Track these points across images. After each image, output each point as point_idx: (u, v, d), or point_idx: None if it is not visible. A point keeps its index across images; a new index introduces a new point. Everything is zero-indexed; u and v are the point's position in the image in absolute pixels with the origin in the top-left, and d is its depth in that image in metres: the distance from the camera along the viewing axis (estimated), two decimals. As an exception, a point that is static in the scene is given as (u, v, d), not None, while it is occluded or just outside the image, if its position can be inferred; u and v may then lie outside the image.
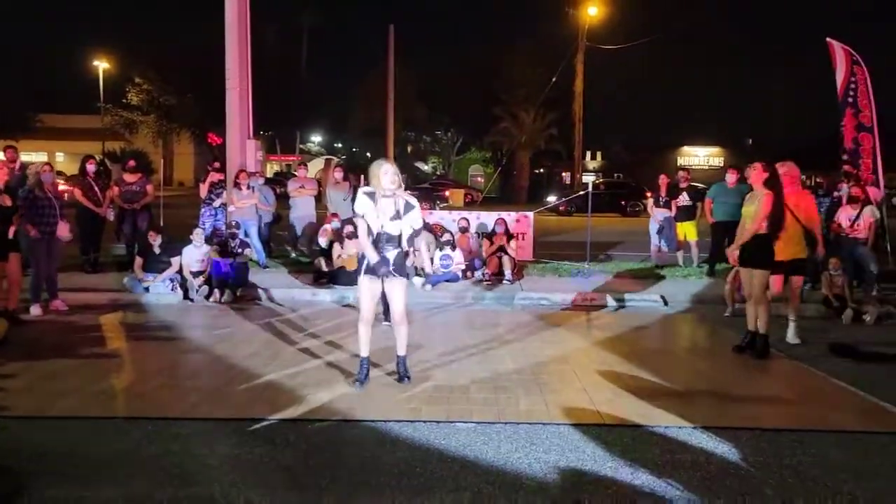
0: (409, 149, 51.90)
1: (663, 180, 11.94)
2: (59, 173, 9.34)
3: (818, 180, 10.68)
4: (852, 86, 12.54)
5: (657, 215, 11.70)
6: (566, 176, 44.55)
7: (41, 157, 39.69)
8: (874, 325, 8.15)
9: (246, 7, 12.33)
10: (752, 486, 3.75)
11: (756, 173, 6.54)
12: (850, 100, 12.53)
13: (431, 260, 10.37)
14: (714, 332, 7.79)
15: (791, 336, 7.07)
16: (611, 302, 9.23)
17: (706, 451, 4.25)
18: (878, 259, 9.41)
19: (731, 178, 10.66)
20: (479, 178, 53.08)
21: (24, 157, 13.39)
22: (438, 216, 12.45)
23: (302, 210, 12.09)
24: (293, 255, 12.14)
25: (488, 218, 11.92)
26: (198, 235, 9.49)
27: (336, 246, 10.11)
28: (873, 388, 5.50)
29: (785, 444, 4.36)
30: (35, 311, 8.04)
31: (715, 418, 4.81)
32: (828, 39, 12.98)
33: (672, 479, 3.82)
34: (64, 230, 8.26)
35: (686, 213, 11.52)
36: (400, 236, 5.42)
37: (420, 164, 55.00)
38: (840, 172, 11.35)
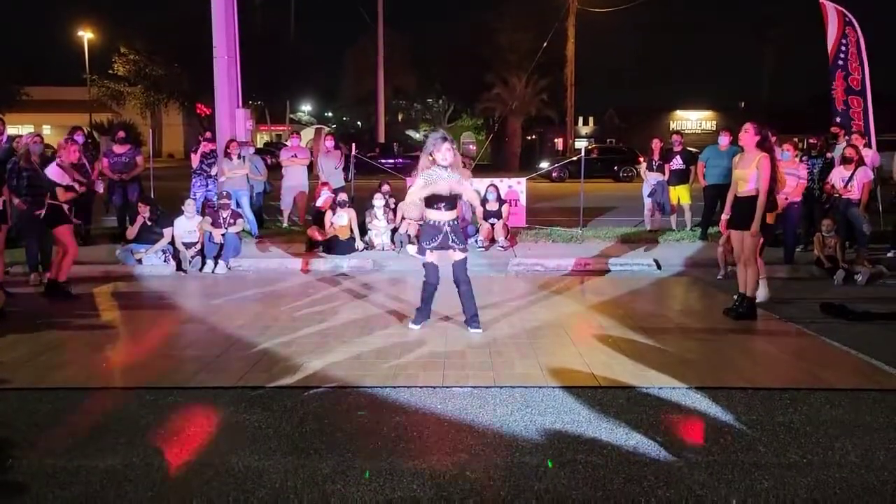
0: (400, 117, 51.61)
1: (657, 144, 11.93)
2: (47, 146, 9.25)
3: (811, 141, 10.61)
4: (843, 48, 12.48)
5: (650, 179, 11.70)
6: (558, 142, 44.34)
7: (28, 131, 39.28)
8: (865, 285, 8.22)
9: (232, -26, 12.11)
10: (745, 444, 3.80)
11: (748, 136, 6.52)
12: (841, 62, 12.48)
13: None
14: (707, 295, 7.83)
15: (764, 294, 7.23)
16: (604, 266, 9.26)
17: (700, 410, 4.30)
18: (870, 220, 9.44)
19: (723, 140, 10.64)
20: (471, 146, 52.68)
21: (11, 131, 13.21)
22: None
23: (294, 180, 12.05)
24: (286, 224, 12.11)
25: (480, 185, 11.86)
26: (189, 206, 9.45)
27: (329, 214, 10.08)
28: (864, 347, 5.56)
29: (777, 402, 4.42)
30: (32, 278, 8.17)
31: (708, 378, 4.86)
32: (821, 1, 12.85)
33: (666, 438, 3.86)
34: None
35: (679, 177, 11.52)
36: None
37: (411, 132, 54.69)
38: (829, 134, 11.32)
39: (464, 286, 6.06)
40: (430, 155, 5.79)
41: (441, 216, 5.89)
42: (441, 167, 5.77)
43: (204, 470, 3.51)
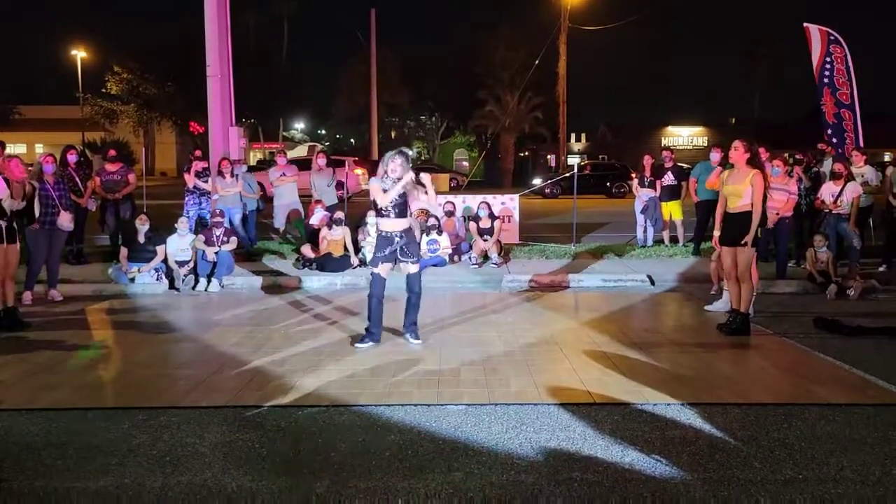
0: (393, 134, 51.76)
1: (648, 160, 11.99)
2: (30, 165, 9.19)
3: (797, 156, 10.68)
4: (827, 66, 12.75)
5: (642, 195, 11.75)
6: (551, 158, 44.55)
7: (21, 150, 39.27)
8: (858, 299, 8.24)
9: (226, -7, 12.20)
10: (740, 460, 3.79)
11: (738, 153, 6.58)
12: (826, 80, 12.75)
13: (419, 245, 10.36)
14: (700, 311, 7.83)
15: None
16: (598, 282, 9.27)
17: (695, 426, 4.29)
18: (861, 235, 9.49)
19: (715, 156, 10.70)
20: (464, 163, 53.00)
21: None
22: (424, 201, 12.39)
23: (286, 198, 12.03)
24: (279, 242, 12.08)
25: (473, 202, 11.91)
26: (182, 225, 9.43)
27: (324, 229, 10.08)
28: (857, 362, 5.57)
29: (772, 418, 4.41)
30: (27, 298, 8.10)
31: (703, 394, 4.85)
32: (804, 24, 13.12)
33: (661, 455, 3.85)
34: (65, 219, 8.21)
35: (671, 193, 11.57)
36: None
37: (405, 150, 54.81)
38: (815, 150, 11.40)
39: (415, 298, 6.28)
40: (385, 167, 6.12)
41: (392, 225, 6.11)
42: (391, 179, 6.07)
43: (197, 491, 3.48)
